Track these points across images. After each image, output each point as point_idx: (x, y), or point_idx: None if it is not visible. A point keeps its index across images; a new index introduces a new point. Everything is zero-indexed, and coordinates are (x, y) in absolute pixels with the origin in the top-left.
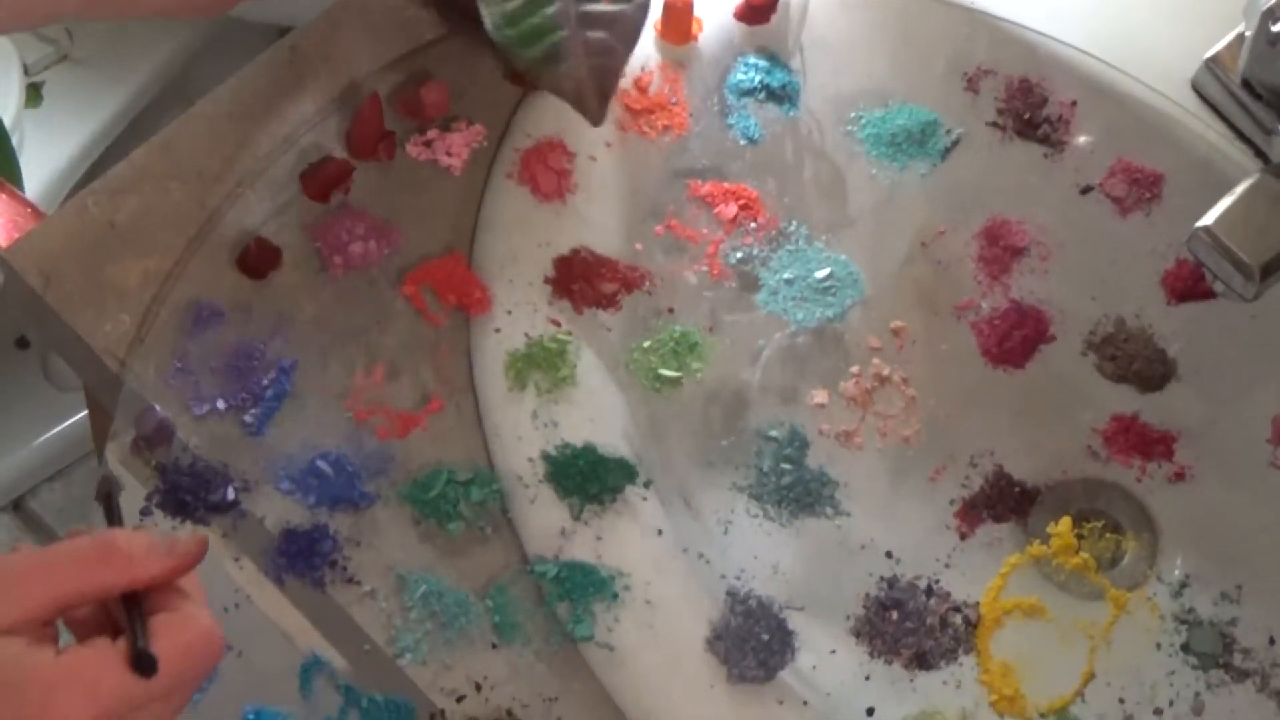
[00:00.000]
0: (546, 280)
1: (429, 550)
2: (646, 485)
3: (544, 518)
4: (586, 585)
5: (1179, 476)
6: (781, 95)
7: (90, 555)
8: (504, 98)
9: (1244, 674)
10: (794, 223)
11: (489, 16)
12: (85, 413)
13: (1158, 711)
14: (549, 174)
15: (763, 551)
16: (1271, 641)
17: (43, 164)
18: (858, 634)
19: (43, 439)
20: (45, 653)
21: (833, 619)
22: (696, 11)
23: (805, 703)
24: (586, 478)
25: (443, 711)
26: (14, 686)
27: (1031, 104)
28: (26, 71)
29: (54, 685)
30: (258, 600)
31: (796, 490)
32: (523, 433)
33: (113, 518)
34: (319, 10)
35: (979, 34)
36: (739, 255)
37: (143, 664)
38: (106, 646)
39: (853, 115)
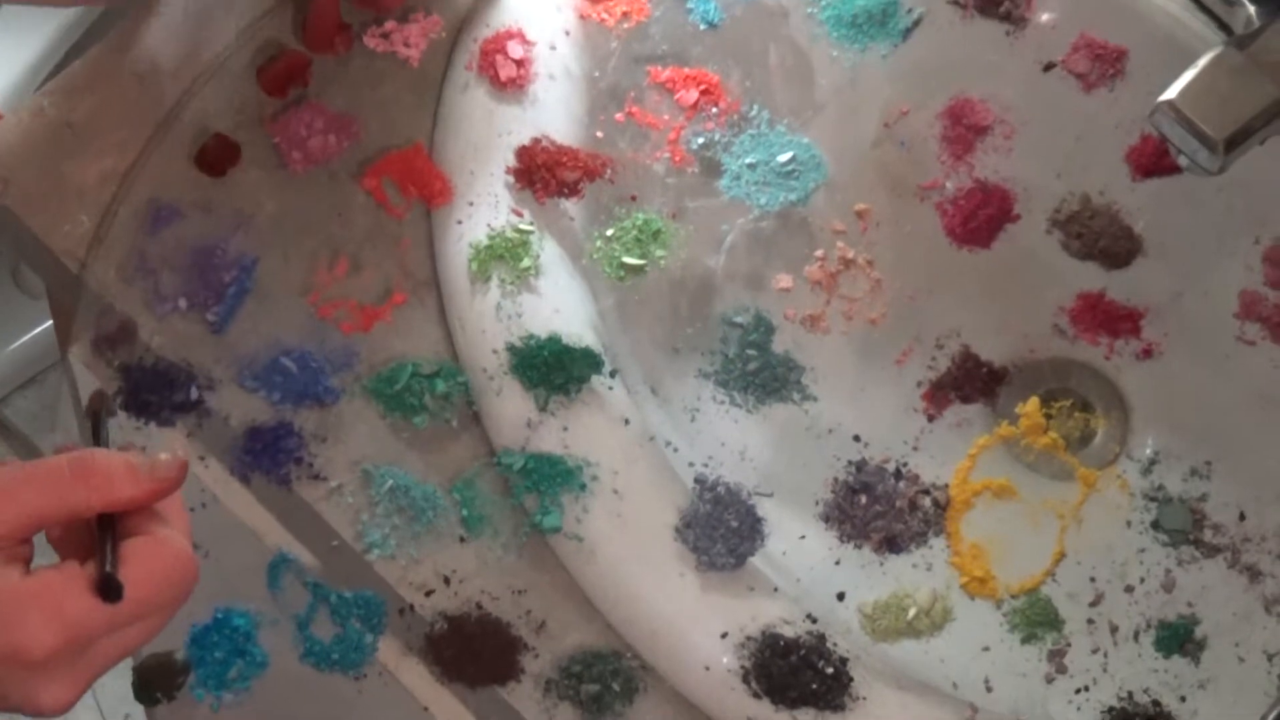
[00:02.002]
0: (508, 170)
1: (395, 444)
2: (612, 375)
3: (510, 409)
4: (554, 476)
5: (1147, 353)
6: None
7: (66, 474)
8: None
9: (1214, 549)
10: (756, 107)
11: None
12: None
13: (1129, 589)
14: (508, 63)
15: (730, 438)
16: (1242, 517)
17: (1, 70)
18: (827, 519)
19: (13, 346)
20: (12, 572)
21: (801, 504)
22: None
23: (775, 589)
24: (552, 368)
25: (411, 606)
26: None
27: None
28: None
29: (18, 604)
30: (224, 499)
31: (763, 376)
32: (487, 325)
33: (98, 437)
34: None
35: None
36: (701, 141)
37: (107, 589)
38: (74, 569)
39: None
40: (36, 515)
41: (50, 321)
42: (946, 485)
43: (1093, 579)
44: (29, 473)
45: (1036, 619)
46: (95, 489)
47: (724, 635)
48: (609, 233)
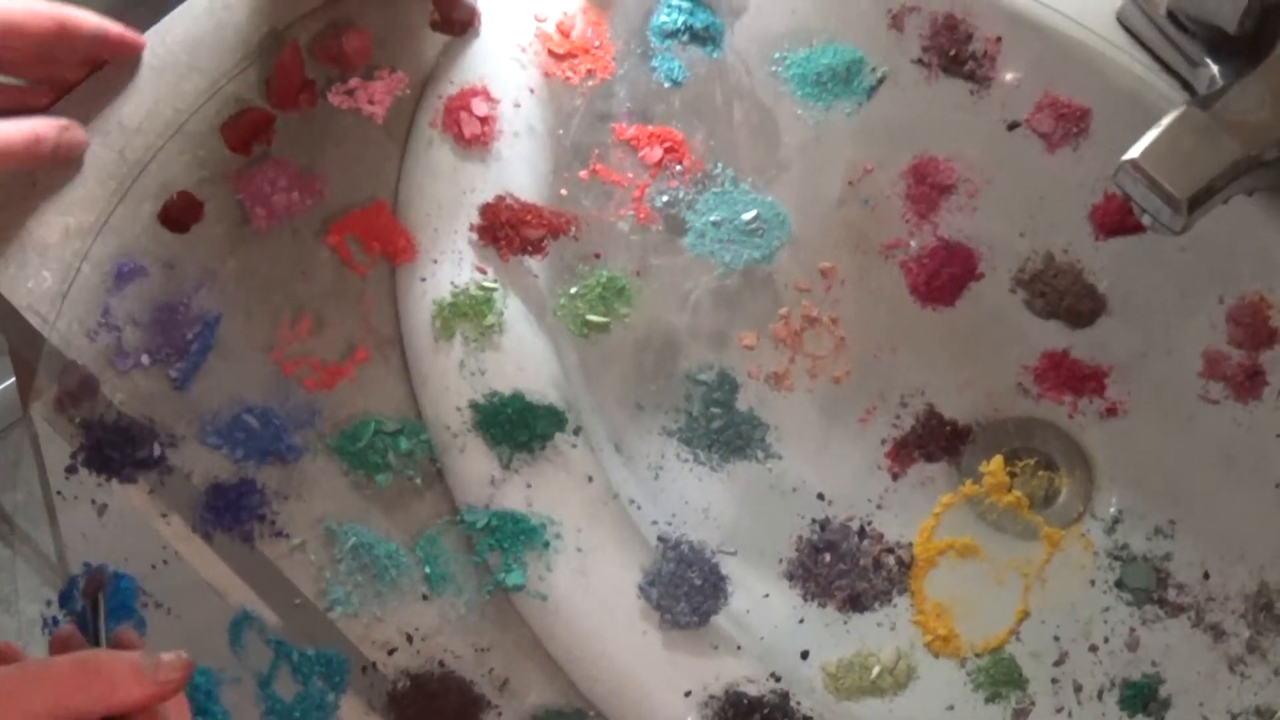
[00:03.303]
0: (472, 228)
1: (358, 502)
2: (576, 432)
3: (473, 467)
4: (517, 534)
5: (1111, 412)
6: (705, 36)
7: (69, 677)
8: (426, 45)
9: (1179, 609)
10: (720, 165)
11: None
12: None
13: (1093, 648)
14: (472, 121)
15: (694, 496)
16: (1205, 576)
17: None
18: (791, 577)
19: None
20: None
21: (765, 562)
22: None
23: (739, 647)
24: (515, 426)
25: (374, 664)
26: None
27: (957, 40)
28: None
29: None
30: (186, 556)
31: (727, 434)
32: (450, 382)
33: (98, 616)
34: None
35: None
36: (665, 198)
37: None
38: None
39: (777, 55)
40: (35, 713)
41: (11, 379)
42: (910, 544)
43: (1057, 638)
44: (33, 674)
45: (1000, 678)
46: (100, 695)
47: (687, 694)
48: (573, 290)
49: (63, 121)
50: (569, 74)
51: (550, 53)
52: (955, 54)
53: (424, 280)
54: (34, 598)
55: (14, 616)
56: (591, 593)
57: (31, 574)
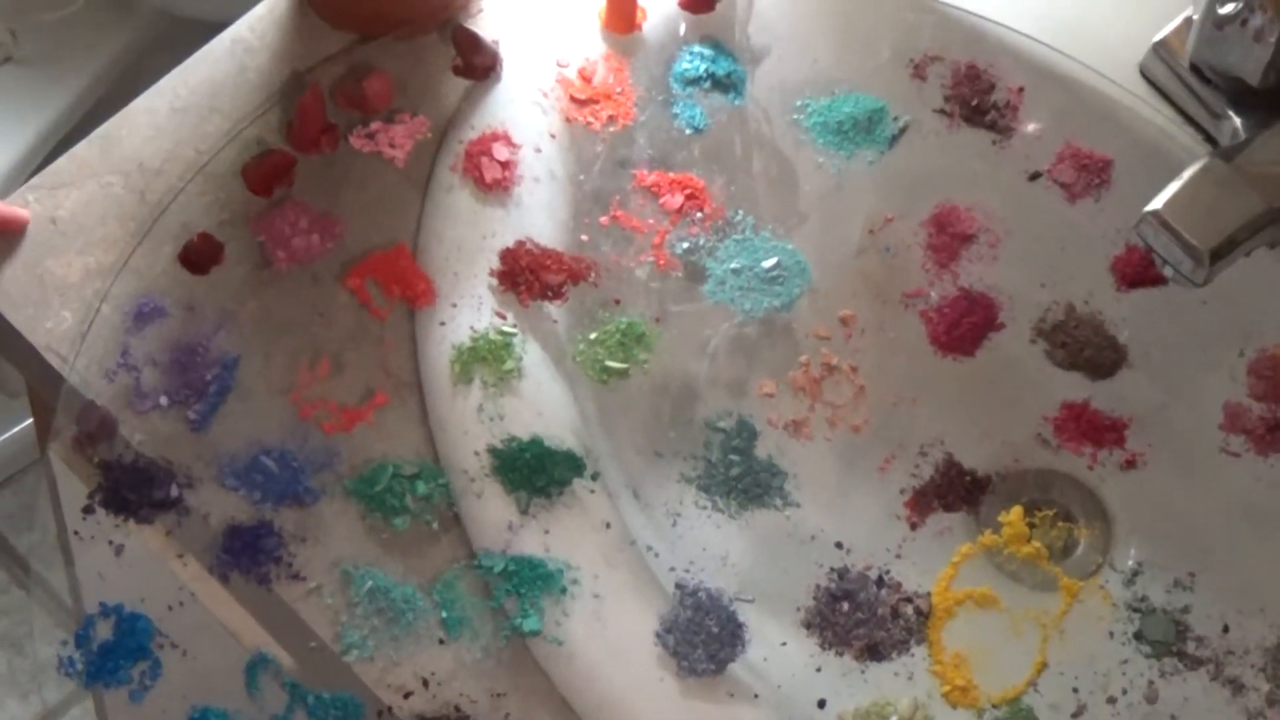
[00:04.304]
0: (492, 272)
1: (375, 545)
2: (594, 478)
3: (491, 512)
4: (534, 579)
5: (1130, 464)
6: (727, 84)
7: None
8: (448, 90)
9: (1198, 662)
10: (740, 212)
11: None
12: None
13: (1111, 700)
14: (493, 165)
15: (712, 543)
16: (1225, 629)
17: None
18: (808, 625)
19: None
20: None
21: (783, 611)
22: (641, 1)
23: (756, 695)
24: (533, 471)
25: (390, 708)
26: None
27: (979, 90)
28: None
29: None
30: (203, 598)
31: (745, 481)
32: (469, 426)
33: None
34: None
35: (925, 21)
36: (685, 245)
37: None
38: None
39: (799, 104)
40: None
41: (28, 420)
42: (929, 593)
43: (1075, 689)
44: None
45: None
46: None
47: None
48: (592, 336)
49: None
50: (590, 120)
51: (572, 98)
52: (977, 104)
53: (443, 324)
54: (48, 639)
55: (27, 658)
56: (608, 639)
57: (45, 616)
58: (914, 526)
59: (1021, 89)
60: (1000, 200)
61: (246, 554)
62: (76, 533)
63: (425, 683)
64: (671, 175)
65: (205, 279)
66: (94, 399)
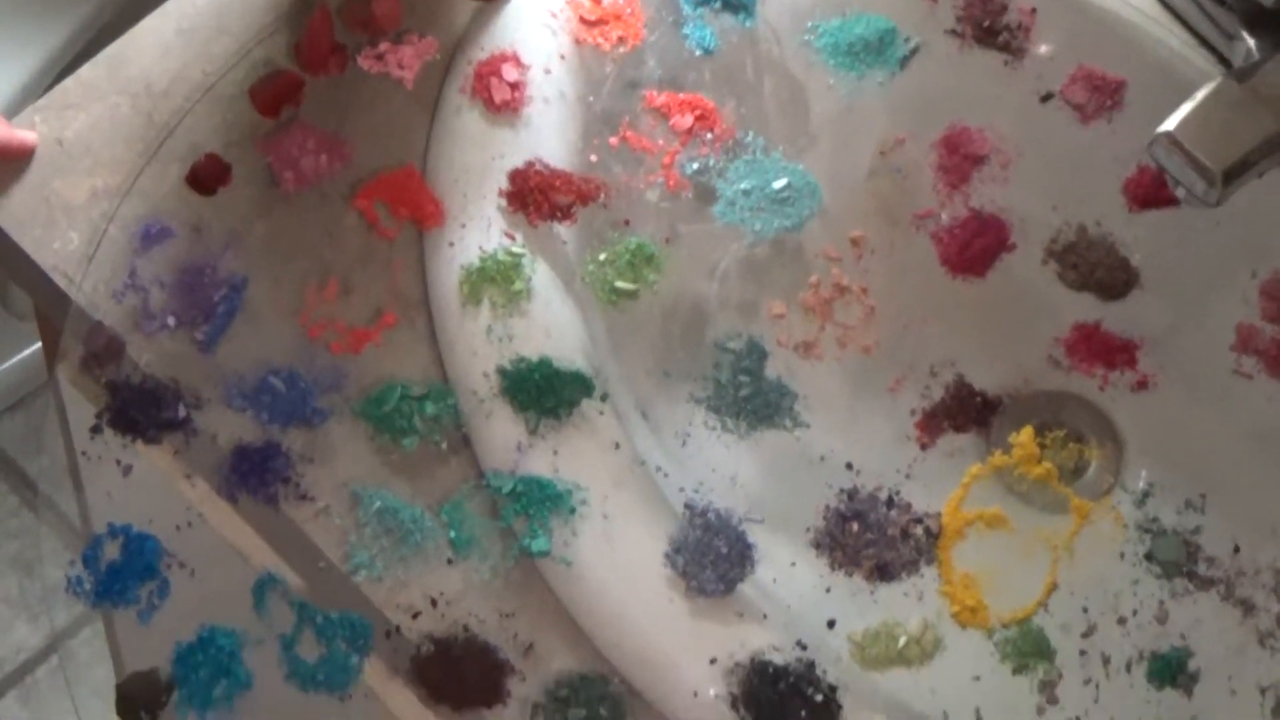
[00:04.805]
0: (500, 193)
1: (383, 466)
2: (603, 399)
3: (499, 432)
4: (543, 500)
5: (1142, 385)
6: (737, 5)
7: None
8: (457, 10)
9: (1208, 582)
10: (751, 133)
11: None
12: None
13: (1121, 621)
14: (502, 86)
15: (721, 464)
16: (1236, 550)
17: None
18: (818, 546)
19: (1, 369)
20: None
21: (792, 531)
22: None
23: (765, 615)
24: (542, 391)
25: (398, 628)
26: None
27: (991, 11)
28: None
29: None
30: (211, 519)
31: (755, 402)
32: (477, 347)
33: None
34: None
35: None
36: (695, 166)
37: None
38: None
39: (810, 25)
40: None
41: (36, 345)
42: (938, 514)
43: (1085, 610)
44: None
45: (1028, 649)
46: None
47: (713, 661)
48: (601, 257)
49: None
50: (600, 40)
51: (581, 19)
52: (989, 25)
53: (452, 245)
54: (58, 562)
55: (37, 580)
56: (617, 559)
57: (55, 539)
58: (924, 447)
59: (1034, 10)
60: (1012, 122)
61: (254, 475)
62: (84, 453)
63: (434, 602)
64: (681, 96)
65: (212, 200)
66: (101, 320)
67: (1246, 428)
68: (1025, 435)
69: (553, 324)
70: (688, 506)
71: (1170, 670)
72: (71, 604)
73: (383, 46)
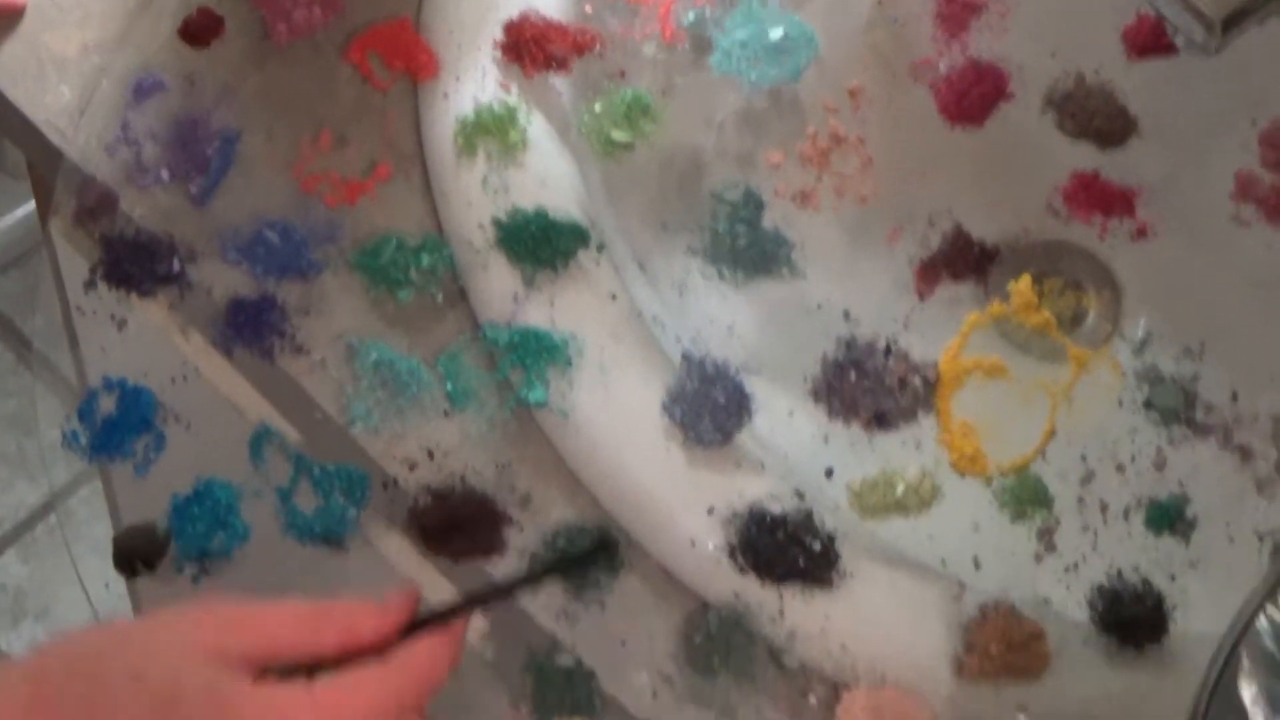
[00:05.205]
0: (495, 45)
1: (379, 318)
2: (600, 249)
3: (496, 284)
4: (539, 351)
5: (1141, 233)
6: None
7: (312, 616)
8: None
9: (1206, 429)
10: None
11: None
12: None
13: (1120, 468)
14: None
15: (718, 314)
16: (1234, 397)
17: None
18: (815, 395)
19: None
20: (245, 684)
21: (790, 381)
22: None
23: (763, 465)
24: (538, 242)
25: (395, 479)
26: (214, 710)
27: None
28: None
29: (247, 716)
30: (206, 372)
31: (752, 252)
32: (473, 198)
33: None
34: None
35: None
36: (691, 17)
37: None
38: (303, 688)
39: None
40: (280, 650)
41: (30, 204)
42: (936, 363)
43: (1083, 458)
44: (277, 607)
45: (1026, 497)
46: (337, 630)
47: (710, 511)
48: (597, 108)
49: None
50: None
51: None
52: None
53: (446, 97)
54: (55, 421)
55: (34, 439)
56: (614, 410)
57: (52, 398)
58: (922, 296)
59: None
60: None
61: (249, 327)
62: (78, 308)
63: (430, 454)
64: None
65: (205, 53)
66: (94, 174)
67: (1245, 275)
68: (1023, 284)
69: (549, 175)
70: (685, 357)
71: (1168, 517)
72: (70, 462)
73: None
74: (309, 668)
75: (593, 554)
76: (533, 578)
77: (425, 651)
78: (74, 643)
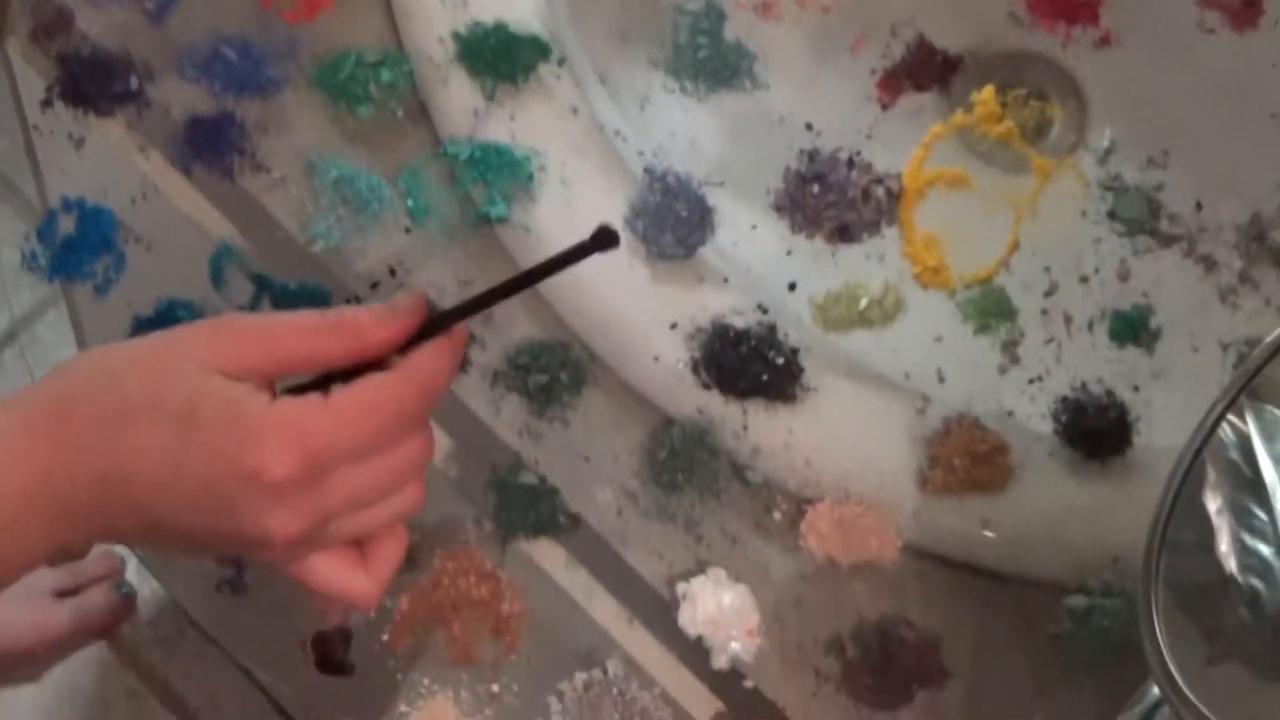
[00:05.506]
0: None
1: (339, 134)
2: (560, 63)
3: (456, 98)
4: (501, 165)
5: (1105, 41)
6: None
7: (320, 326)
8: None
9: (1170, 239)
10: None
11: None
12: None
13: (1084, 279)
14: None
15: (680, 127)
16: (1198, 206)
17: None
18: (778, 208)
19: None
20: (262, 397)
21: (753, 194)
22: None
23: (726, 279)
24: (498, 56)
25: (358, 297)
26: (232, 421)
27: None
28: None
29: (265, 426)
30: (165, 191)
31: (714, 63)
32: (432, 12)
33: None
34: None
35: None
36: None
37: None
38: (318, 400)
39: None
40: (294, 359)
41: None
42: (900, 174)
43: (1047, 269)
44: (286, 320)
45: (990, 309)
46: (348, 337)
47: (673, 326)
48: None
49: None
50: None
51: None
52: None
53: None
54: (14, 244)
55: None
56: (576, 225)
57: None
58: (885, 107)
59: None
60: None
61: (209, 145)
62: (36, 128)
63: (392, 271)
64: None
65: None
66: None
67: (1209, 82)
68: (986, 93)
69: None
70: (647, 170)
71: (1132, 327)
72: (36, 286)
73: None
74: (323, 383)
75: (588, 246)
76: (534, 274)
77: (429, 359)
78: (93, 360)
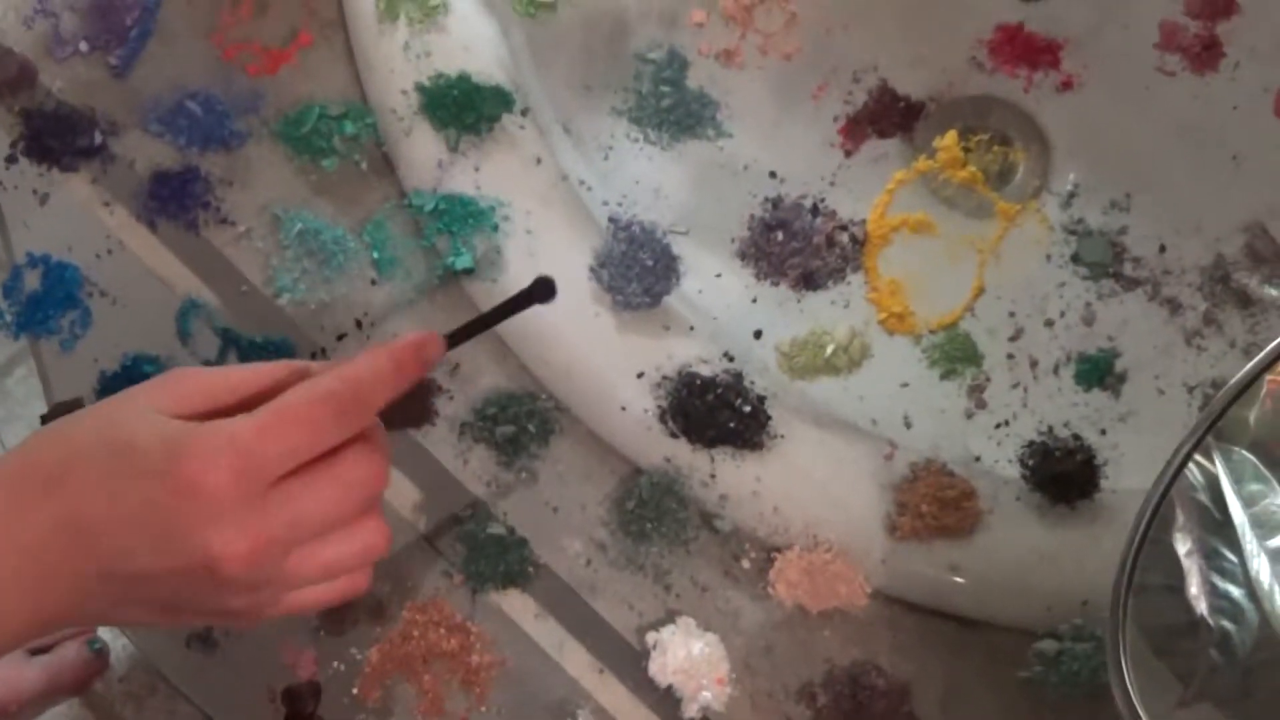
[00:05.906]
0: None
1: (304, 188)
2: (524, 113)
3: (420, 150)
4: (466, 217)
5: (1066, 86)
6: None
7: (264, 367)
8: None
9: (1134, 282)
10: None
11: None
12: None
13: (1049, 323)
14: None
15: (645, 176)
16: (1162, 249)
17: None
18: (743, 256)
19: None
20: (199, 424)
21: (717, 242)
22: None
23: (691, 327)
24: (462, 107)
25: (324, 349)
26: (166, 440)
27: None
28: None
29: (196, 439)
30: (130, 245)
31: (677, 112)
32: (395, 65)
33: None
34: None
35: None
36: None
37: None
38: (247, 414)
39: None
40: (234, 393)
41: None
42: (864, 221)
43: (1012, 314)
44: (232, 367)
45: (956, 354)
46: (294, 373)
47: (640, 375)
48: None
49: None
50: None
51: None
52: None
53: None
54: None
55: None
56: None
57: None
58: (848, 154)
59: None
60: None
61: (174, 200)
62: (0, 183)
63: (359, 324)
64: None
65: None
66: (12, 47)
67: (1170, 126)
68: (949, 139)
69: (471, 39)
70: (611, 220)
71: (1098, 371)
72: (3, 343)
73: None
74: None
75: (528, 294)
76: (473, 326)
77: (362, 358)
78: (58, 422)
